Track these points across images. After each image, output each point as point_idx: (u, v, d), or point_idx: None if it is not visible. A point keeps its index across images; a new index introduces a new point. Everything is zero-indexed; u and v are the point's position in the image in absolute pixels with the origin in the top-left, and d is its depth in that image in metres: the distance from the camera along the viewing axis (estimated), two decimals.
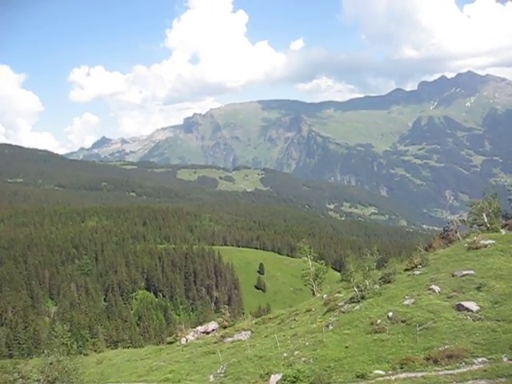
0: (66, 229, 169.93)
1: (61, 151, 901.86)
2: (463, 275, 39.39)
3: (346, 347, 29.79)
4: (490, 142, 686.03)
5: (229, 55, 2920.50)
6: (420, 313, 31.94)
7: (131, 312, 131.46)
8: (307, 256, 66.44)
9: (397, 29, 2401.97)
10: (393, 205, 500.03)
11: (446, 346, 25.91)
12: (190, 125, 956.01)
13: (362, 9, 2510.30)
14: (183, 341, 52.00)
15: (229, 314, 54.43)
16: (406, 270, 48.93)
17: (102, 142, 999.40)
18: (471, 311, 30.61)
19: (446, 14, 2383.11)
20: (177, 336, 56.05)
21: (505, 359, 21.88)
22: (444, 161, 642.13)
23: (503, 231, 50.80)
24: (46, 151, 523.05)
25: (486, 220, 66.62)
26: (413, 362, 24.09)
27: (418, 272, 47.36)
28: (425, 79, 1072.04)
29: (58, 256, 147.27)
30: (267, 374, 27.56)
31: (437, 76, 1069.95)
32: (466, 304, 31.69)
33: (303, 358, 28.81)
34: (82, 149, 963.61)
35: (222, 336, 44.94)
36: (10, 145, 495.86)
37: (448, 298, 33.85)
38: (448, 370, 23.30)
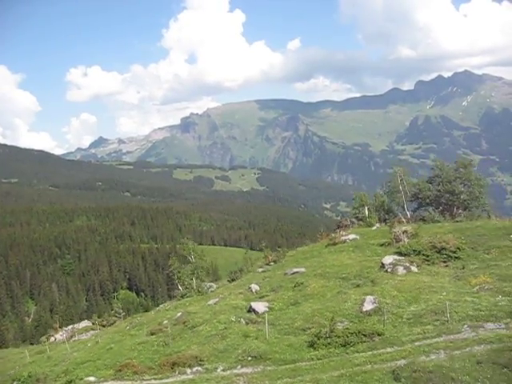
0: (51, 228, 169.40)
1: (58, 151, 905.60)
2: (293, 273, 40.55)
3: (109, 349, 31.05)
4: (487, 141, 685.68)
5: (226, 55, 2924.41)
6: (203, 314, 33.80)
7: (111, 312, 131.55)
8: (190, 253, 66.39)
9: (393, 28, 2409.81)
10: None
11: (189, 352, 26.67)
12: (186, 125, 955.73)
13: (358, 8, 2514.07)
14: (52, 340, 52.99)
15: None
16: (261, 267, 49.67)
17: (99, 142, 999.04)
18: (257, 313, 31.62)
19: (442, 14, 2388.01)
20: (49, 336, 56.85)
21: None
22: (441, 160, 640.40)
23: (376, 226, 50.81)
24: (41, 151, 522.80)
25: (366, 214, 66.85)
26: (129, 368, 24.60)
27: (261, 270, 47.60)
28: (422, 78, 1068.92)
29: (40, 256, 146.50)
30: None
31: (434, 75, 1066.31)
32: (257, 305, 32.67)
33: None
34: (79, 149, 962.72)
35: None
36: (5, 145, 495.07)
37: (260, 297, 35.37)
38: (157, 379, 23.70)
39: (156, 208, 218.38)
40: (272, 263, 49.92)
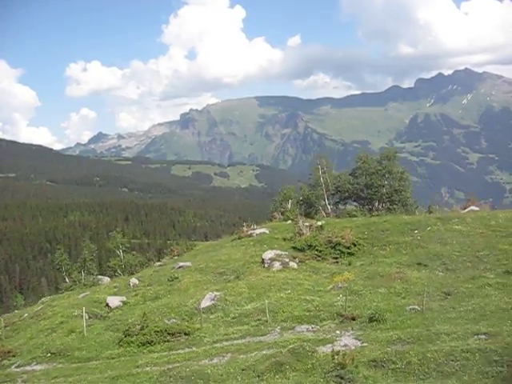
0: (43, 223, 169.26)
1: (58, 146, 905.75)
2: (179, 267, 41.14)
3: None
4: (487, 139, 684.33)
5: (226, 51, 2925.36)
6: (60, 308, 34.31)
7: None
8: (119, 247, 65.77)
9: (394, 26, 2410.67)
10: None
11: (8, 346, 27.22)
12: (186, 120, 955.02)
13: (359, 5, 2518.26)
14: None
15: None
16: (160, 260, 49.98)
17: (99, 137, 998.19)
18: (110, 308, 32.39)
19: (443, 11, 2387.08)
20: None
21: None
22: (440, 158, 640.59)
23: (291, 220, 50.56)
24: (40, 146, 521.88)
25: (289, 208, 66.11)
26: None
27: (158, 264, 47.69)
28: (422, 76, 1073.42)
29: (30, 250, 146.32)
30: None
31: (434, 73, 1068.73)
32: (112, 300, 33.39)
33: None
34: (78, 144, 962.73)
35: None
36: (3, 139, 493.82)
37: (134, 291, 35.97)
38: None
39: (150, 204, 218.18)
40: (176, 257, 49.94)
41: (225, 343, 23.00)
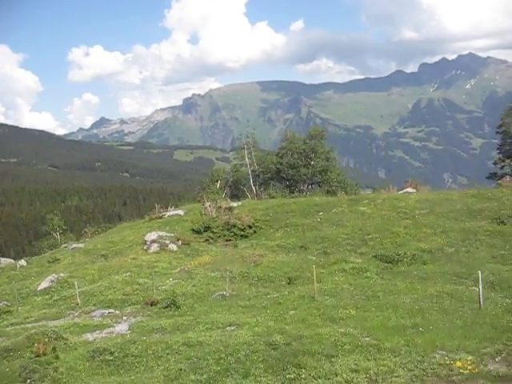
0: (40, 208, 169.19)
1: (60, 131, 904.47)
2: (72, 248, 43.02)
3: None
4: (490, 124, 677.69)
5: (228, 35, 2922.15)
6: None
7: None
8: (56, 229, 65.72)
9: (397, 10, 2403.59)
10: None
11: None
12: (188, 105, 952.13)
13: None
14: None
15: None
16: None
17: (101, 122, 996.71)
18: None
19: None
20: None
21: None
22: (443, 143, 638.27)
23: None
24: (42, 131, 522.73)
25: (216, 189, 65.10)
26: None
27: (74, 245, 47.36)
28: (426, 61, 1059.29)
29: (25, 235, 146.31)
30: None
31: (438, 58, 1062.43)
32: None
33: None
34: (80, 129, 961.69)
35: None
36: (5, 125, 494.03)
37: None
38: None
39: (149, 189, 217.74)
40: (87, 239, 50.51)
41: (17, 326, 22.84)
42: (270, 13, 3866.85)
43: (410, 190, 48.59)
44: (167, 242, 36.79)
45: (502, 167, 74.49)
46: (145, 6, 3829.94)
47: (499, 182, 58.17)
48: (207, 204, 43.58)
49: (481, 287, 18.77)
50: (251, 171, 70.49)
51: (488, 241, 30.50)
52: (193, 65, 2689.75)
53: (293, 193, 63.10)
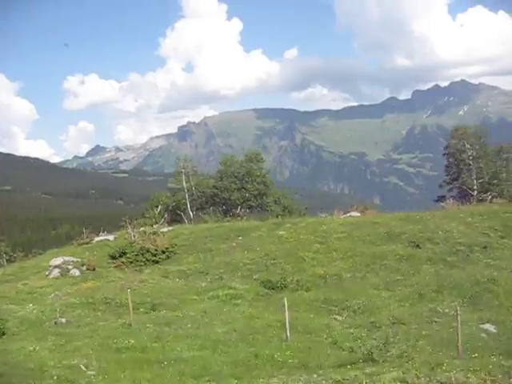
0: (32, 236, 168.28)
1: (55, 159, 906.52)
2: None
3: None
4: None
5: (223, 63, 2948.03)
6: None
7: None
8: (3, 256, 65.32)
9: (390, 37, 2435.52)
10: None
11: None
12: (183, 133, 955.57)
13: (355, 17, 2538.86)
14: None
15: None
16: None
17: (96, 150, 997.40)
18: None
19: (438, 23, 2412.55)
20: None
21: None
22: (437, 169, 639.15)
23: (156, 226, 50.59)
24: (37, 159, 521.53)
25: (156, 213, 64.89)
26: None
27: None
28: (418, 88, 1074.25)
29: None
30: None
31: (430, 85, 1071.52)
32: None
33: None
34: (75, 157, 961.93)
35: None
36: (0, 152, 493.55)
37: None
38: None
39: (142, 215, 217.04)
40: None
41: None
42: (264, 41, 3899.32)
43: (354, 213, 48.68)
44: (70, 267, 36.27)
45: (451, 189, 74.98)
46: (140, 34, 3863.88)
47: (442, 204, 58.87)
48: (129, 229, 42.79)
49: (287, 317, 19.17)
50: (188, 196, 70.02)
51: (393, 265, 30.99)
52: (188, 92, 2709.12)
53: (227, 217, 62.37)
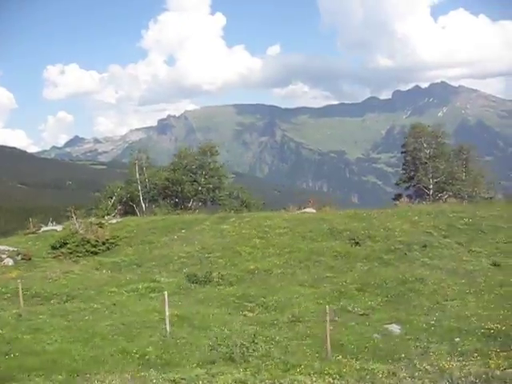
0: (5, 226, 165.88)
1: (33, 149, 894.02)
2: None
3: None
4: None
5: (205, 57, 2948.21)
6: None
7: None
8: None
9: (373, 37, 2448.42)
10: None
11: None
12: (163, 126, 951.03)
13: (338, 17, 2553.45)
14: None
15: None
16: None
17: (75, 141, 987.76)
18: None
19: (420, 25, 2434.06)
20: None
21: None
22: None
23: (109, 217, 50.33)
24: (13, 148, 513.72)
25: (110, 205, 64.55)
26: None
27: None
28: (399, 88, 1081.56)
29: None
30: None
31: (411, 85, 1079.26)
32: None
33: None
34: (54, 147, 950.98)
35: None
36: None
37: None
38: None
39: None
40: None
41: None
42: (247, 36, 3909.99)
43: (309, 210, 48.68)
44: (4, 256, 36.08)
45: (408, 187, 75.35)
46: (122, 26, 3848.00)
47: (396, 202, 58.84)
48: (74, 220, 42.38)
49: (167, 311, 18.86)
50: (142, 188, 69.12)
51: (328, 262, 31.10)
52: (169, 86, 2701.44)
53: (178, 210, 62.03)
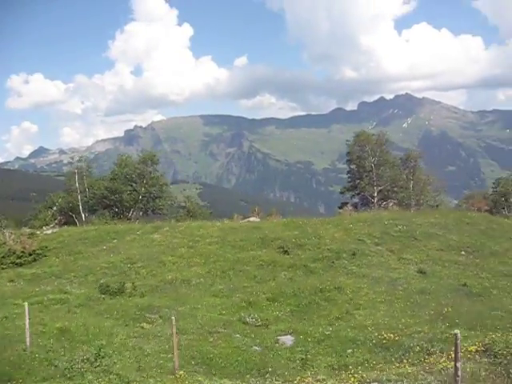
0: None
1: None
2: None
3: None
4: (425, 162, 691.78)
5: (172, 68, 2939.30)
6: None
7: None
8: None
9: (338, 50, 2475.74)
10: None
11: None
12: (130, 137, 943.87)
13: (305, 29, 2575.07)
14: None
15: None
16: None
17: (40, 151, 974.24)
18: None
19: (385, 38, 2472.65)
20: None
21: None
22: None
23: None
24: None
25: (50, 215, 63.97)
26: None
27: None
28: (365, 100, 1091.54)
29: None
30: None
31: (376, 97, 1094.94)
32: None
33: None
34: (18, 158, 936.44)
35: None
36: None
37: None
38: None
39: None
40: None
41: None
42: (214, 48, 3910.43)
43: (253, 219, 48.75)
44: None
45: (353, 196, 75.76)
46: (88, 35, 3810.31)
47: (340, 210, 59.16)
48: (4, 230, 42.02)
49: (27, 323, 18.02)
50: (82, 197, 67.80)
51: (252, 271, 30.64)
52: (136, 96, 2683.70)
53: (117, 220, 59.88)
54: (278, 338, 20.06)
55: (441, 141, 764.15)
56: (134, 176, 67.72)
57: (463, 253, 35.41)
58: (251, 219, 47.82)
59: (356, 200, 75.96)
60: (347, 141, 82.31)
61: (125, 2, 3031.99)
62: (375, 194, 72.13)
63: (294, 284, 27.89)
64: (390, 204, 67.97)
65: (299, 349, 18.31)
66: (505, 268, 32.72)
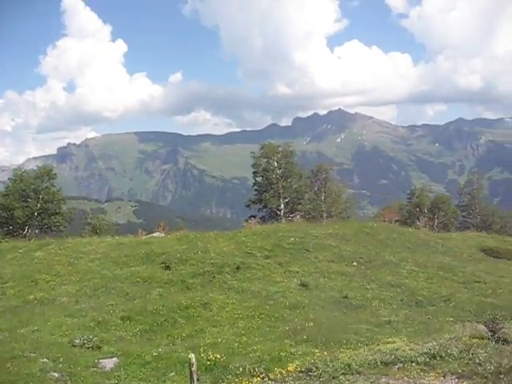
0: None
1: None
2: None
3: None
4: (359, 176, 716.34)
5: (106, 84, 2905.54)
6: None
7: None
8: None
9: (272, 66, 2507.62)
10: None
11: None
12: (63, 155, 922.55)
13: (239, 46, 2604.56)
14: None
15: None
16: None
17: None
18: None
19: (317, 55, 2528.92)
20: None
21: None
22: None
23: None
24: None
25: None
26: None
27: None
28: (299, 115, 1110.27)
29: None
30: None
31: (310, 112, 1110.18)
32: None
33: None
34: None
35: None
36: None
37: None
38: None
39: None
40: None
41: None
42: (148, 64, 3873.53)
43: (157, 234, 49.04)
44: None
45: (260, 209, 75.09)
46: (19, 51, 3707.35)
47: (244, 224, 58.85)
48: None
49: None
50: None
51: (125, 289, 29.75)
52: (68, 113, 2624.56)
53: (8, 237, 57.31)
54: (101, 360, 18.66)
55: (373, 155, 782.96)
56: (28, 191, 65.21)
57: (355, 263, 35.87)
58: (155, 234, 47.94)
59: (263, 213, 74.67)
60: (252, 153, 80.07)
61: (56, 18, 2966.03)
62: (281, 207, 71.55)
63: (161, 301, 27.01)
64: (297, 216, 67.95)
65: (116, 373, 17.28)
66: (393, 278, 33.27)
